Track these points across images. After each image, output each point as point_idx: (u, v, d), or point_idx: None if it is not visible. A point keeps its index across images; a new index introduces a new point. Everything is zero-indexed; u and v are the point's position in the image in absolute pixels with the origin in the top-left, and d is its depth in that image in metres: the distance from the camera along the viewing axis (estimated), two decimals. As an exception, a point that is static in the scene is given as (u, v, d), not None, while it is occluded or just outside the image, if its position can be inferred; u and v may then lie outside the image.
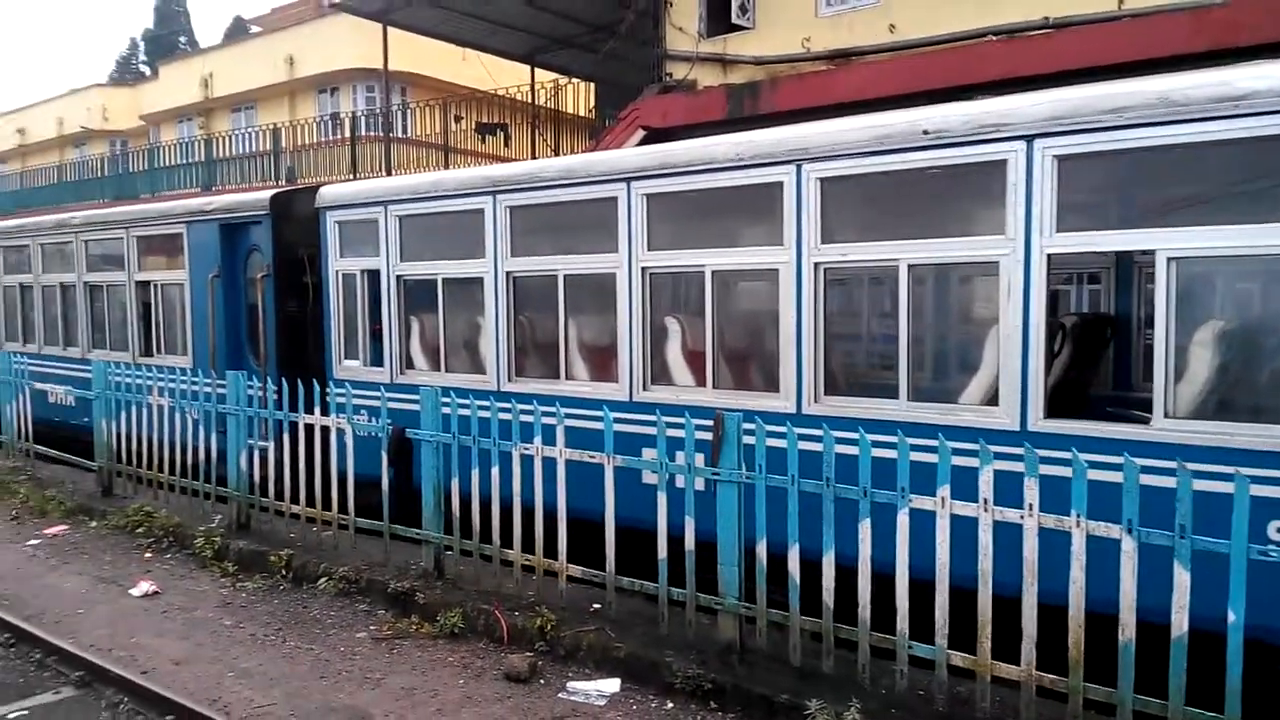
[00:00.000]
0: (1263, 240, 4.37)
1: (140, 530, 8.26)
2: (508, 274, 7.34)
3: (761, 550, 4.95)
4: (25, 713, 5.02)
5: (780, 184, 5.78)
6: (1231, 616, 3.67)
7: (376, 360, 8.37)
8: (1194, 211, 4.66)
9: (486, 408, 6.23)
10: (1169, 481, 3.98)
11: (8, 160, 39.05)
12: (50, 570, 7.50)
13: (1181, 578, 3.80)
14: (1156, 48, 8.11)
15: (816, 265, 5.66)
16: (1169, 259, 4.59)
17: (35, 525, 8.84)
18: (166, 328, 10.50)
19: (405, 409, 7.16)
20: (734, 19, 11.60)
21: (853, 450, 4.67)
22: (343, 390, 7.14)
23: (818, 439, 5.00)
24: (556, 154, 17.38)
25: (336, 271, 8.62)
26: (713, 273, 6.17)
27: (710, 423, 5.20)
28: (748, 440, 5.04)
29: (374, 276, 8.33)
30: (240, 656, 5.71)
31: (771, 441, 4.98)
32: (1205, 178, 4.77)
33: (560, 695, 5.09)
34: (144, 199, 22.26)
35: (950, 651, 4.43)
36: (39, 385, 11.13)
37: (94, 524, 8.77)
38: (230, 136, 23.98)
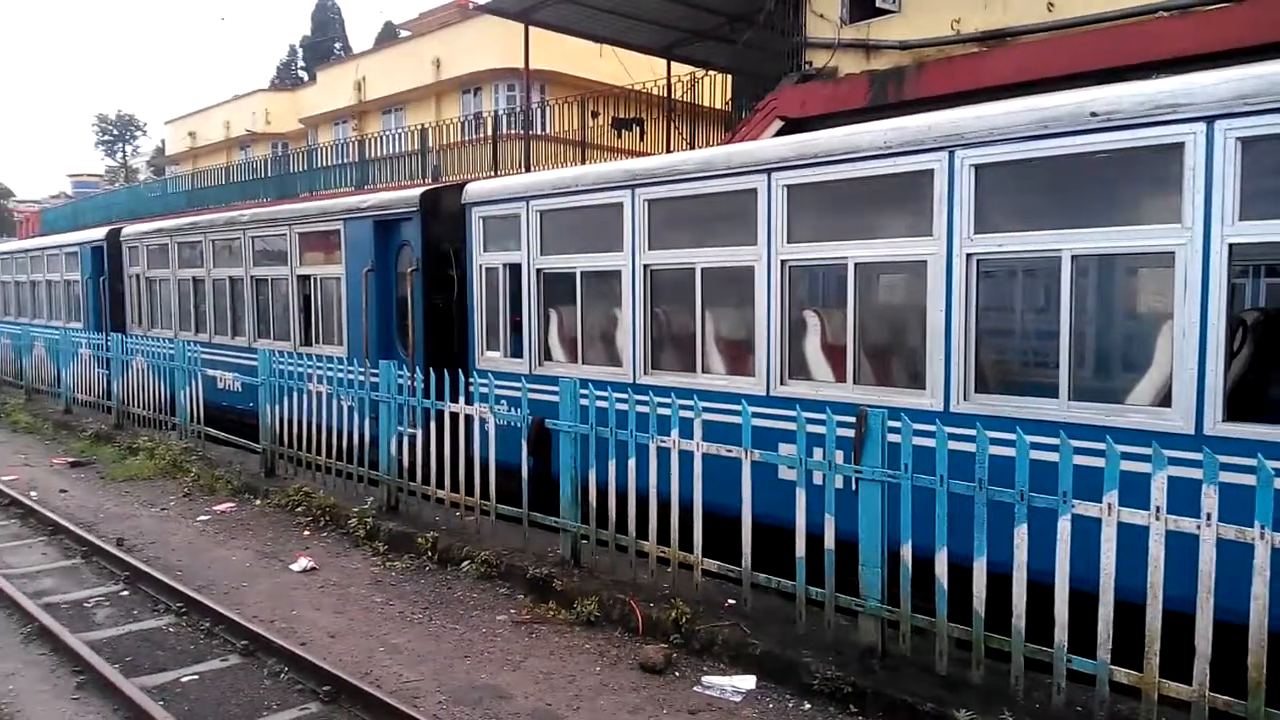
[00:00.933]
0: None
1: (299, 509, 8.77)
2: (645, 267, 7.37)
3: (906, 553, 4.78)
4: (196, 677, 5.40)
5: (930, 172, 5.55)
6: None
7: (516, 351, 8.57)
8: None
9: (623, 400, 6.28)
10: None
11: (180, 162, 42.31)
12: (218, 545, 8.06)
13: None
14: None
15: (969, 256, 5.41)
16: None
17: (205, 502, 9.53)
18: (324, 319, 11.10)
19: (543, 399, 7.31)
20: (878, 3, 11.25)
21: (1005, 451, 4.44)
22: (485, 380, 7.35)
23: (966, 439, 4.80)
24: (691, 147, 17.37)
25: (480, 265, 8.89)
26: (856, 265, 6.00)
27: (850, 419, 5.06)
28: (891, 438, 4.88)
29: (515, 270, 8.53)
30: (390, 633, 5.97)
31: (917, 440, 4.80)
32: None
33: (695, 689, 5.08)
34: (302, 197, 23.62)
35: (1113, 667, 4.16)
36: (209, 372, 12.00)
37: (257, 502, 9.38)
38: (381, 137, 25.17)
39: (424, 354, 9.34)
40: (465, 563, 7.05)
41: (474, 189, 9.11)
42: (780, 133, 11.03)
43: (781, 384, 6.46)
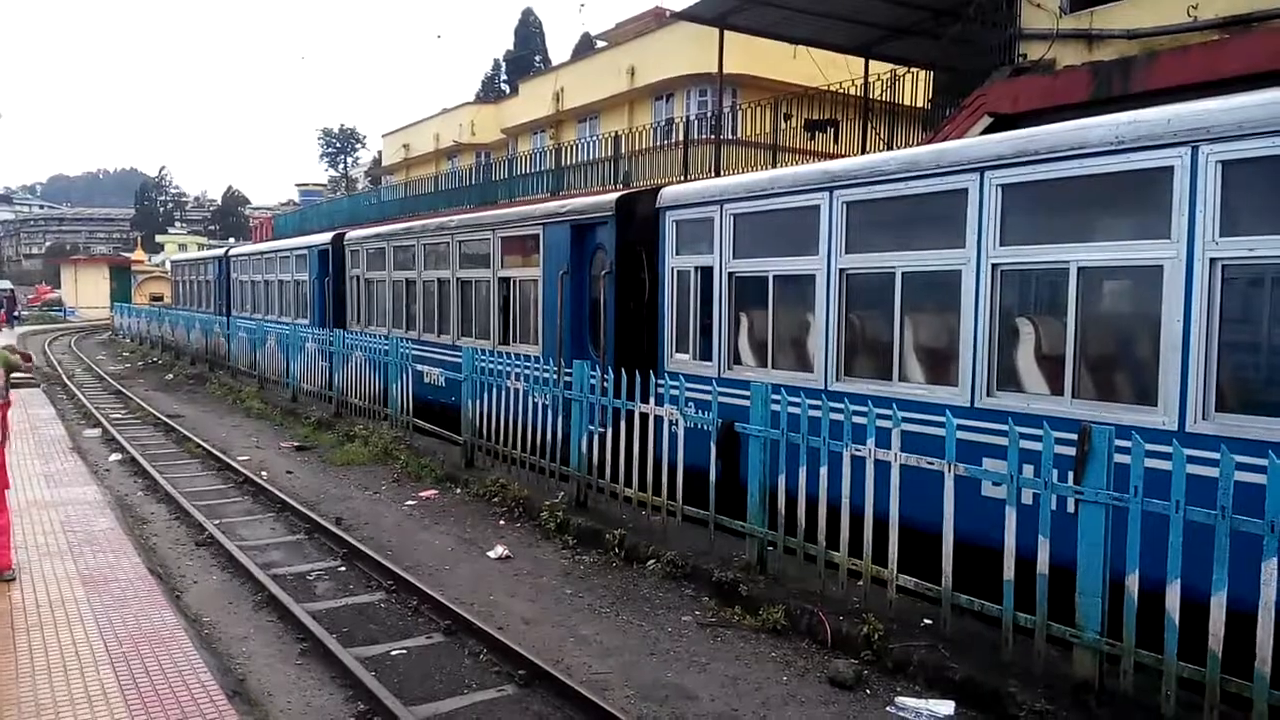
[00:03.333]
0: None
1: (495, 500, 9.19)
2: (841, 271, 7.18)
3: (1132, 583, 4.38)
4: (404, 651, 5.75)
5: (1170, 169, 5.06)
6: None
7: (705, 354, 8.59)
8: None
9: (815, 406, 6.13)
10: None
11: (394, 172, 45.48)
12: (423, 529, 8.57)
13: None
14: None
15: (1213, 261, 4.89)
16: None
17: (412, 488, 10.17)
18: (521, 319, 11.59)
19: (731, 403, 7.26)
20: (1102, -10, 10.44)
21: (1253, 478, 3.98)
22: (675, 382, 7.40)
23: (1201, 462, 4.34)
24: (889, 148, 16.79)
25: (672, 268, 8.97)
26: (1079, 269, 5.56)
27: (1066, 435, 4.70)
28: (1119, 459, 4.48)
29: (706, 273, 8.55)
30: (579, 624, 6.13)
31: (1149, 462, 4.39)
32: None
33: (889, 709, 4.89)
34: (502, 204, 24.83)
35: (1385, 731, 3.63)
36: (418, 367, 12.81)
37: (458, 490, 9.91)
38: (575, 145, 26.01)
39: (614, 355, 9.54)
40: (651, 561, 7.12)
41: (668, 193, 9.21)
42: (989, 130, 10.45)
43: (989, 395, 6.10)
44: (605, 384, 8.08)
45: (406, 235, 14.88)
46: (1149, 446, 4.50)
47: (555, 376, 9.01)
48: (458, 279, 13.05)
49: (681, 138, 20.90)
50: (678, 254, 8.96)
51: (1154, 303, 5.18)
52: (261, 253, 22.43)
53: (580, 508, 8.47)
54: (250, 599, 6.70)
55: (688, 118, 22.68)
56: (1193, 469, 4.30)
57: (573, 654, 5.63)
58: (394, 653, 5.72)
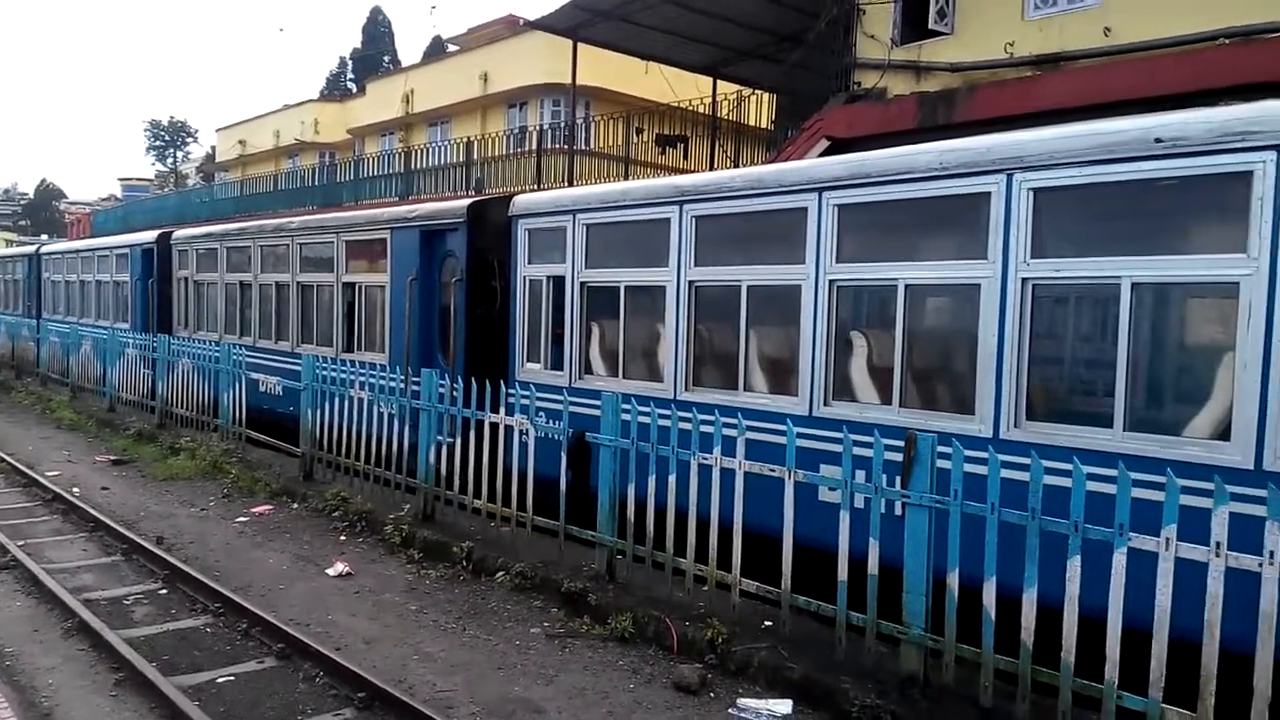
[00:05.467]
0: None
1: (336, 514, 8.82)
2: (690, 283, 7.34)
3: (953, 581, 4.68)
4: (233, 678, 5.42)
5: (987, 195, 5.47)
6: None
7: (557, 364, 8.58)
8: None
9: (665, 415, 6.24)
10: None
11: (229, 169, 43.12)
12: (255, 547, 8.12)
13: None
14: None
15: (1024, 281, 5.31)
16: None
17: (243, 503, 9.62)
18: (367, 326, 11.21)
19: (583, 413, 7.29)
20: (931, 24, 11.18)
21: (1057, 481, 4.34)
22: (526, 392, 7.35)
23: (1015, 466, 4.70)
24: (736, 166, 17.35)
25: (524, 277, 8.92)
26: (906, 286, 5.92)
27: (898, 443, 4.98)
28: (940, 465, 4.79)
29: (559, 282, 8.55)
30: (424, 641, 5.96)
31: (967, 467, 4.70)
32: None
33: (730, 711, 5.00)
34: (348, 206, 23.97)
35: (1166, 706, 4.02)
36: (252, 375, 12.15)
37: (295, 505, 9.46)
38: (426, 149, 25.46)
39: (465, 363, 9.38)
40: (500, 574, 7.03)
41: (521, 201, 9.16)
42: (826, 153, 10.97)
43: (825, 404, 6.38)
44: (455, 393, 7.92)
45: (242, 236, 14.11)
46: (968, 452, 4.83)
47: (402, 385, 8.76)
48: (298, 283, 12.49)
49: (535, 146, 20.86)
50: (530, 263, 8.91)
51: (972, 319, 5.58)
52: (78, 251, 20.71)
53: (427, 520, 8.26)
54: (59, 626, 6.15)
55: (541, 127, 22.66)
56: (1007, 473, 4.62)
57: (416, 672, 5.47)
58: (220, 680, 5.38)
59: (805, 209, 6.46)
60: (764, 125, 18.76)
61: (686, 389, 7.38)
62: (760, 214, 6.91)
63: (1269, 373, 4.46)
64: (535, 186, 19.11)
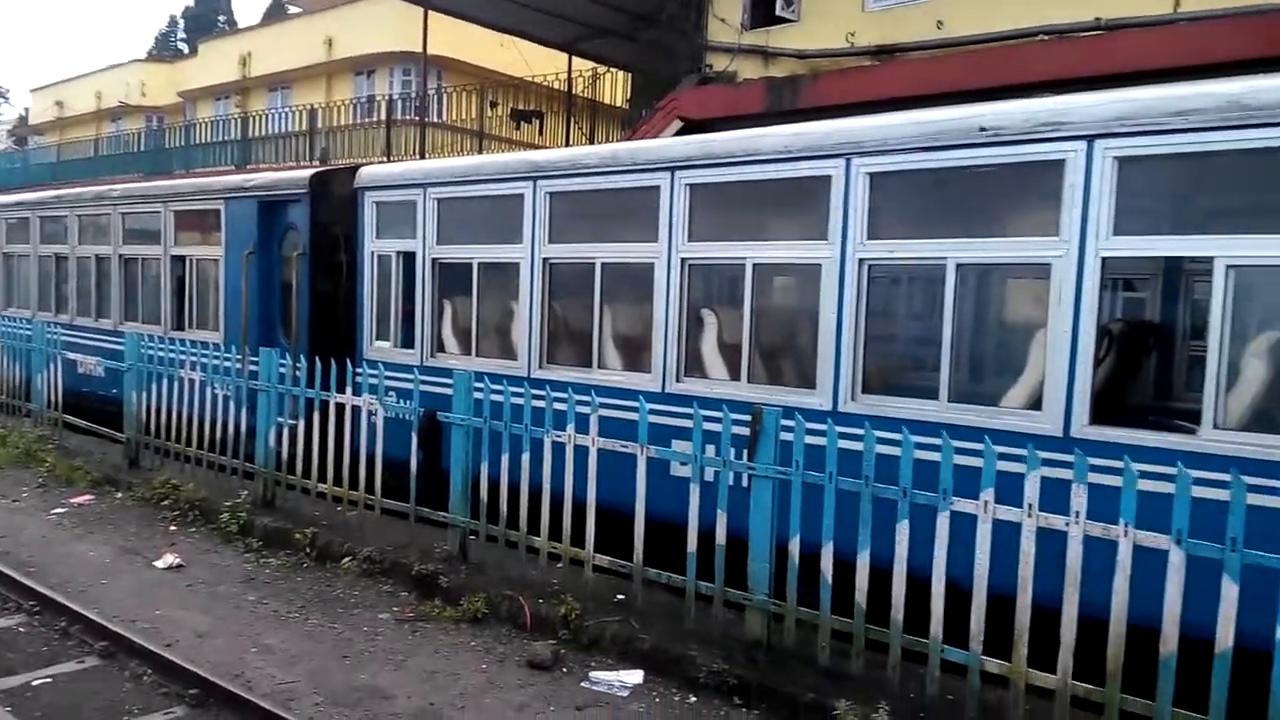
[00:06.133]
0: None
1: (165, 503, 8.29)
2: (544, 260, 7.29)
3: (794, 547, 4.88)
4: (49, 680, 5.03)
5: (829, 178, 5.68)
6: (1283, 635, 3.56)
7: (408, 342, 8.35)
8: (1256, 219, 4.52)
9: (518, 393, 6.19)
10: (1214, 493, 3.88)
11: (45, 133, 39.55)
12: (75, 539, 7.54)
13: (1230, 591, 3.69)
14: (1209, 53, 7.91)
15: (861, 261, 5.56)
16: (1228, 267, 4.46)
17: (61, 494, 8.90)
18: (199, 303, 10.55)
19: (435, 391, 7.13)
20: (778, 11, 11.48)
21: (890, 450, 4.58)
22: (374, 371, 7.12)
23: (854, 437, 4.93)
24: (591, 143, 17.32)
25: (372, 252, 8.62)
26: (754, 266, 6.09)
27: (744, 417, 5.13)
28: (784, 437, 4.97)
29: (409, 258, 8.31)
30: (263, 632, 5.71)
31: (809, 439, 4.90)
32: (1270, 185, 4.62)
33: (583, 684, 5.05)
34: (178, 175, 22.45)
35: (984, 658, 4.34)
36: (70, 355, 11.22)
37: (119, 495, 8.83)
38: (265, 116, 24.14)
39: (308, 342, 8.98)
40: (346, 559, 6.80)
41: (368, 173, 8.83)
42: (680, 133, 11.11)
43: (678, 381, 6.50)
44: (297, 373, 7.58)
45: (58, 205, 12.98)
46: (810, 425, 5.03)
47: (239, 365, 8.31)
48: (121, 256, 11.60)
49: (385, 117, 20.14)
50: (378, 237, 8.62)
51: (814, 297, 5.80)
52: None
53: (267, 507, 7.89)
54: None
55: (391, 96, 21.91)
56: (845, 444, 4.84)
57: (255, 665, 5.23)
58: (36, 683, 4.98)
59: (658, 187, 6.52)
60: (619, 104, 18.80)
61: (541, 367, 7.35)
62: (614, 192, 6.93)
63: (1077, 348, 4.85)
64: (385, 158, 18.47)
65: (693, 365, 6.57)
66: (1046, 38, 9.26)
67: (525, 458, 6.10)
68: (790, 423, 4.95)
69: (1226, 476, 3.75)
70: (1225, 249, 4.47)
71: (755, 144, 6.07)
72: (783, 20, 11.74)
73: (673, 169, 6.44)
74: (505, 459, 6.21)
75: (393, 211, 8.48)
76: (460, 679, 5.11)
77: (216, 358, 8.42)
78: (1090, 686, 4.07)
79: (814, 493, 4.81)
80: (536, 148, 17.05)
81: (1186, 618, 3.79)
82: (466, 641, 5.62)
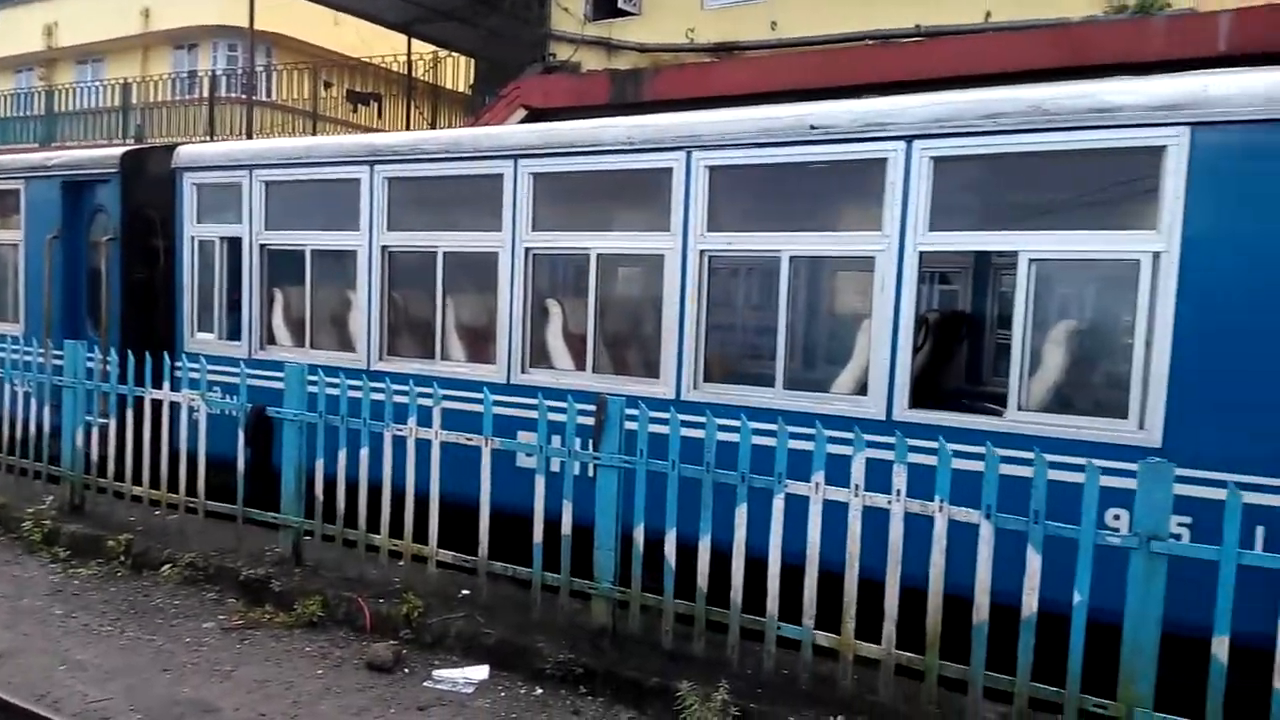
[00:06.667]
0: (1114, 245, 4.69)
1: (-44, 512, 7.50)
2: (383, 248, 7.05)
3: (639, 535, 4.94)
4: None
5: (670, 170, 5.77)
6: (1077, 597, 3.91)
7: (234, 334, 7.89)
8: (1056, 216, 4.94)
9: (356, 386, 5.98)
10: (1020, 470, 4.20)
11: None
12: None
13: (1033, 561, 4.01)
14: (1020, 60, 8.57)
15: (702, 253, 5.69)
16: (1030, 260, 4.84)
17: None
18: (-6, 291, 9.58)
19: (265, 386, 6.79)
20: (620, 4, 11.56)
21: (731, 437, 4.72)
22: (196, 365, 6.69)
23: (696, 425, 5.04)
24: (433, 128, 16.88)
25: (192, 237, 8.08)
26: (598, 256, 6.11)
27: (590, 407, 5.15)
28: (628, 426, 5.02)
29: (234, 244, 7.84)
30: (73, 648, 5.26)
31: (652, 428, 4.97)
32: (1069, 184, 5.05)
33: (426, 684, 4.94)
34: (-32, 150, 20.26)
35: (816, 632, 4.54)
36: None
37: (-101, 505, 7.91)
38: (74, 89, 22.17)
39: (121, 334, 8.33)
40: (166, 566, 6.36)
41: (187, 152, 8.26)
42: (525, 121, 11.02)
43: (523, 372, 6.45)
44: (108, 367, 7.01)
45: None
46: (654, 413, 5.11)
47: (41, 359, 7.62)
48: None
49: (208, 94, 18.90)
50: (200, 221, 8.08)
51: (657, 288, 5.89)
52: None
53: (76, 513, 7.27)
54: None
55: (214, 72, 20.56)
56: (688, 432, 4.95)
57: (64, 684, 4.82)
58: None
59: (501, 175, 6.43)
60: (462, 89, 18.42)
61: (381, 359, 7.12)
62: (457, 179, 6.79)
63: (897, 336, 5.15)
64: (208, 138, 17.36)
65: (538, 356, 6.53)
66: (872, 42, 9.77)
67: (364, 453, 5.89)
68: (635, 412, 5.02)
69: (1030, 454, 4.09)
70: (1028, 244, 4.86)
71: (598, 134, 6.09)
72: (625, 13, 11.84)
73: (516, 157, 6.37)
74: (343, 455, 5.98)
75: (216, 194, 7.98)
76: (294, 687, 4.88)
77: (15, 351, 7.68)
78: (912, 655, 4.32)
79: (658, 480, 4.89)
80: (375, 131, 16.45)
81: (997, 586, 4.09)
82: (301, 647, 5.38)
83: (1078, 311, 5.42)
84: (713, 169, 5.67)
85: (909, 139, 5.06)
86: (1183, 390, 4.48)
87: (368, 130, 16.78)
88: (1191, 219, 4.44)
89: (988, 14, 9.29)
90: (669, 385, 5.83)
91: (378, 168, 7.04)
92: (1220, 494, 3.72)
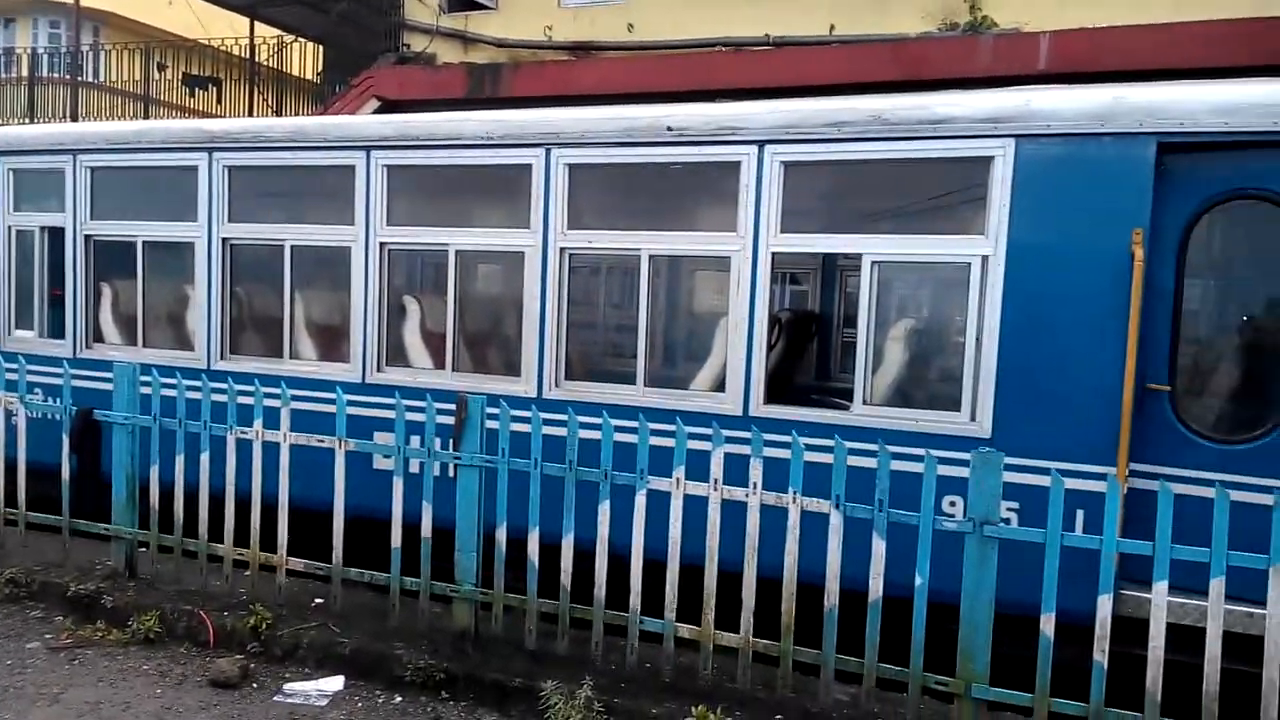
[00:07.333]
0: (948, 249, 5.01)
1: None
2: (224, 240, 6.69)
3: (501, 535, 4.90)
4: None
5: (529, 166, 5.74)
6: (919, 580, 4.16)
7: (57, 331, 7.30)
8: (896, 220, 5.24)
9: (196, 387, 5.64)
10: (867, 462, 4.43)
11: None
12: None
13: (879, 547, 4.24)
14: (861, 73, 9.02)
15: (562, 250, 5.69)
16: (872, 262, 5.11)
17: None
18: None
19: (93, 387, 6.31)
20: (477, -3, 11.40)
21: (593, 435, 4.75)
22: (14, 365, 6.14)
23: (558, 423, 5.05)
24: (278, 116, 16.12)
25: (9, 227, 7.42)
26: (456, 253, 6.01)
27: (450, 406, 5.06)
28: (490, 425, 4.97)
29: (57, 235, 7.25)
30: None
31: (514, 426, 4.94)
32: (908, 190, 5.36)
33: (276, 698, 4.73)
34: None
35: (678, 625, 4.63)
36: None
37: None
38: None
39: (-78, 332, 7.55)
40: (-19, 585, 5.83)
41: (3, 135, 7.62)
42: (378, 112, 10.69)
43: (379, 370, 6.27)
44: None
45: None
46: (516, 412, 5.07)
47: None
48: None
49: (27, 73, 17.38)
50: (17, 210, 7.44)
51: (518, 285, 5.85)
52: None
53: None
54: None
55: (35, 50, 18.92)
56: (550, 430, 4.94)
57: None
58: None
59: (354, 167, 6.23)
60: (311, 77, 17.67)
61: (223, 358, 6.75)
62: (306, 169, 6.52)
63: (753, 335, 5.32)
64: (28, 120, 15.97)
65: (395, 354, 6.37)
66: (726, 49, 10.02)
67: (205, 458, 5.57)
68: (496, 411, 4.97)
69: (875, 447, 4.31)
70: (870, 247, 5.13)
71: (457, 128, 5.99)
72: (481, 6, 11.66)
73: (369, 148, 6.18)
74: (181, 460, 5.64)
75: (35, 180, 7.36)
76: (131, 708, 4.57)
77: None
78: (769, 642, 4.48)
79: (520, 479, 4.86)
80: (214, 117, 15.56)
81: (848, 573, 4.28)
82: (138, 666, 5.04)
83: (916, 311, 5.76)
84: (573, 167, 5.68)
85: (761, 144, 5.24)
86: (1009, 384, 4.84)
87: (207, 116, 15.86)
88: (1016, 225, 4.81)
89: (831, 27, 9.71)
90: (530, 383, 5.81)
91: (217, 155, 6.68)
92: (1045, 480, 4.03)
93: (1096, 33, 8.30)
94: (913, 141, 4.99)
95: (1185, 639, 4.08)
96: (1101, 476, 4.42)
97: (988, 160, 4.87)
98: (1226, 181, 4.66)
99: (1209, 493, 3.80)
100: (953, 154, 4.96)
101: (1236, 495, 4.04)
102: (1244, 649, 4.04)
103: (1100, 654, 3.92)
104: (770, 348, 5.56)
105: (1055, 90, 5.04)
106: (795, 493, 4.38)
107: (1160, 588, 3.84)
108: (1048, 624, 3.97)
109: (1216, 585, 3.76)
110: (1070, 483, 4.32)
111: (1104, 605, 3.91)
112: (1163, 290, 4.71)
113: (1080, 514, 4.65)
